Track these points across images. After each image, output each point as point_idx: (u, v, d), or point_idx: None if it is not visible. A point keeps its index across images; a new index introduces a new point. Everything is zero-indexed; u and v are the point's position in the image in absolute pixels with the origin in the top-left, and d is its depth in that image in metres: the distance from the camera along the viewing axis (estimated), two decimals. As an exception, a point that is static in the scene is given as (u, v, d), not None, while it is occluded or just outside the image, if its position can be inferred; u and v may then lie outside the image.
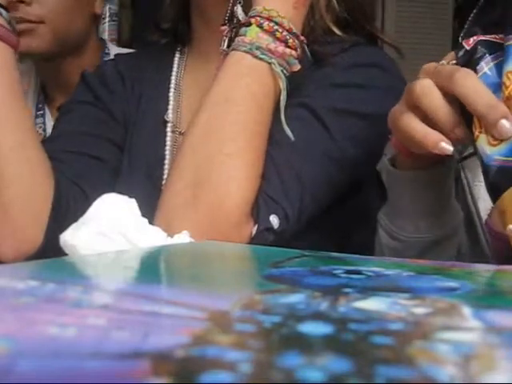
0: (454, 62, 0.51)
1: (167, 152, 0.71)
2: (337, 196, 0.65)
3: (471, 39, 0.49)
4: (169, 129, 0.72)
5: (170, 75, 0.75)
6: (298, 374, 0.16)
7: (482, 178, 0.69)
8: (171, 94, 0.74)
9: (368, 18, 0.73)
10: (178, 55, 0.77)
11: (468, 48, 0.49)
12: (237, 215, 0.56)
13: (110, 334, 0.19)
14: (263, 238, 0.58)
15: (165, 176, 0.69)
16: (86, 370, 0.16)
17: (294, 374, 0.16)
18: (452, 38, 2.49)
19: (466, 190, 0.70)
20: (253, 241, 0.57)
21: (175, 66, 0.76)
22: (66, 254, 0.46)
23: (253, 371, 0.16)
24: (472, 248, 0.67)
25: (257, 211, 0.57)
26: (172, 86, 0.75)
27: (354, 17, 0.70)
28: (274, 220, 0.58)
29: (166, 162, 0.70)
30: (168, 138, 0.72)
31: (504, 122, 0.45)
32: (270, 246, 0.48)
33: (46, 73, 1.14)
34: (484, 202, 0.68)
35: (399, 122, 0.51)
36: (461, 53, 0.50)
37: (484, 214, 0.67)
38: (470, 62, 0.49)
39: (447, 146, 0.48)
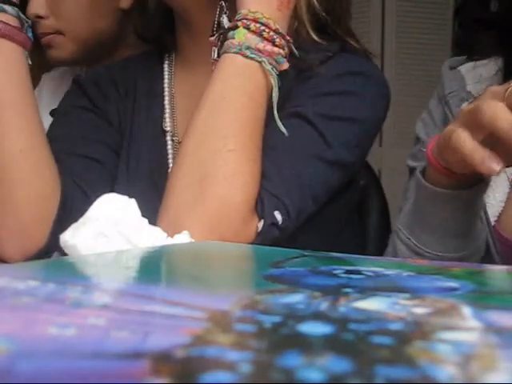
0: None
1: (170, 161, 0.73)
2: (331, 195, 0.67)
3: None
4: (168, 138, 0.74)
5: (163, 85, 0.77)
6: (298, 374, 0.16)
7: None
8: (166, 103, 0.75)
9: (343, 22, 0.74)
10: (166, 64, 0.78)
11: None
12: (244, 210, 0.57)
13: (110, 334, 0.19)
14: (269, 233, 0.59)
15: None
16: (86, 370, 0.16)
17: (294, 373, 0.16)
18: (452, 38, 2.49)
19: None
20: (259, 236, 0.58)
21: (166, 75, 0.77)
22: (67, 254, 0.46)
23: (253, 371, 0.16)
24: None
25: (261, 207, 0.59)
26: (166, 95, 0.76)
27: (332, 21, 0.72)
28: (278, 216, 0.60)
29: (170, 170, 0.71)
30: (169, 147, 0.73)
31: None
32: (271, 245, 0.48)
33: None
34: (492, 208, 0.68)
35: (452, 137, 0.49)
36: None
37: (492, 220, 0.67)
38: None
39: (494, 165, 0.46)
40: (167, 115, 0.75)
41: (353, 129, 0.66)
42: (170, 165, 0.72)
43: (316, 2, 0.70)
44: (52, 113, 0.82)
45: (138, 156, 0.73)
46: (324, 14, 0.70)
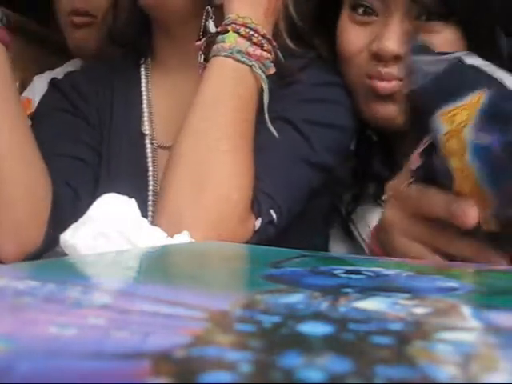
0: (411, 180, 0.47)
1: (149, 164, 0.74)
2: (312, 196, 0.71)
3: (413, 158, 0.46)
4: (147, 141, 0.75)
5: (140, 88, 0.78)
6: (298, 373, 0.16)
7: (369, 221, 0.72)
8: (144, 107, 0.76)
9: (321, 31, 0.76)
10: (143, 68, 0.79)
11: (415, 168, 0.46)
12: (242, 209, 0.59)
13: (110, 333, 0.19)
14: (266, 231, 0.61)
15: (150, 187, 0.72)
16: (86, 370, 0.16)
17: (293, 373, 0.16)
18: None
19: (358, 239, 0.77)
20: (257, 234, 0.60)
21: (143, 79, 0.78)
22: (66, 254, 0.46)
23: (253, 371, 0.16)
24: None
25: (258, 206, 0.61)
26: (144, 98, 0.77)
27: (310, 29, 0.74)
28: (273, 214, 0.62)
29: (150, 173, 0.73)
30: (148, 151, 0.74)
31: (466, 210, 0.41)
32: (266, 244, 0.49)
33: None
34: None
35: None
36: (413, 175, 0.46)
37: None
38: (427, 174, 0.45)
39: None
40: (145, 118, 0.76)
41: (333, 134, 0.71)
42: (150, 167, 0.74)
43: (293, 11, 0.72)
44: (31, 116, 0.81)
45: (117, 158, 0.75)
46: (300, 23, 0.72)
